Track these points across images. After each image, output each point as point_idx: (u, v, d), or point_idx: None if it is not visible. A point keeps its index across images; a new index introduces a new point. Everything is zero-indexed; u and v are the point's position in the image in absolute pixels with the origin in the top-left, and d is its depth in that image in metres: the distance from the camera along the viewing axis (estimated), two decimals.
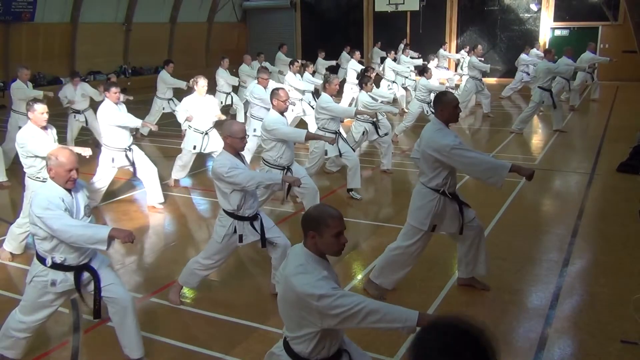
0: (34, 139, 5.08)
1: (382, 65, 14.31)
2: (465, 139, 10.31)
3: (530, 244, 5.57)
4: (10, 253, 5.46)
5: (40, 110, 5.13)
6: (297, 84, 10.12)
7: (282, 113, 5.53)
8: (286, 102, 5.54)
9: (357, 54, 13.86)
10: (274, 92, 5.54)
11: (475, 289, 4.59)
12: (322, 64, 15.29)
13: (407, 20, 19.05)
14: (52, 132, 5.40)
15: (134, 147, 6.68)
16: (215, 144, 7.39)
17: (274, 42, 17.57)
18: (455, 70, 16.93)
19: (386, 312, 2.41)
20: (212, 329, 4.18)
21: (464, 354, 1.28)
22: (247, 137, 4.45)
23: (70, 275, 3.44)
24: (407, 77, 13.76)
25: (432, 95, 9.70)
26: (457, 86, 14.81)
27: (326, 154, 6.93)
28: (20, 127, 5.93)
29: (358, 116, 7.71)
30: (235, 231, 4.23)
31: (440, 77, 12.03)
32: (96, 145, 7.02)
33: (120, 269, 5.16)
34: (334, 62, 15.63)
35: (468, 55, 14.20)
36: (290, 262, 2.55)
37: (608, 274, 4.86)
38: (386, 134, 8.03)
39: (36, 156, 5.08)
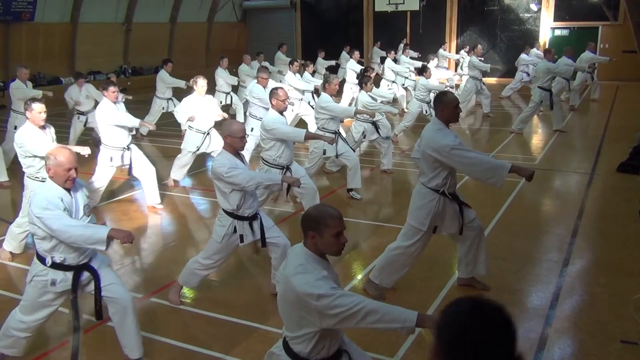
0: (32, 138, 5.07)
1: (382, 65, 14.31)
2: (465, 139, 10.31)
3: (530, 244, 5.57)
4: (10, 253, 5.46)
5: (38, 110, 5.11)
6: (296, 83, 10.13)
7: (281, 112, 5.53)
8: (285, 102, 5.54)
9: (357, 53, 13.86)
10: (273, 92, 5.54)
11: (475, 289, 4.58)
12: (322, 63, 15.30)
13: (407, 20, 19.05)
14: (51, 131, 5.38)
15: (133, 146, 6.68)
16: (216, 143, 7.39)
17: (274, 42, 17.58)
18: (455, 70, 16.93)
19: (385, 313, 2.41)
20: (212, 329, 4.18)
21: (491, 317, 1.39)
22: (247, 136, 4.45)
23: (70, 275, 3.44)
24: (407, 77, 13.76)
25: (432, 95, 9.72)
26: (457, 86, 14.80)
27: (324, 154, 6.93)
28: (16, 127, 5.91)
29: (358, 116, 7.71)
30: (235, 231, 4.22)
31: (440, 77, 12.02)
32: (95, 145, 7.00)
33: (120, 269, 5.15)
34: (333, 62, 15.63)
35: (468, 55, 14.20)
36: (290, 262, 2.55)
37: (608, 274, 4.85)
38: (387, 137, 8.04)
39: (35, 156, 5.06)
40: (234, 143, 4.15)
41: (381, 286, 4.49)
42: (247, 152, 7.70)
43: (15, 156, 5.81)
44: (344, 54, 15.78)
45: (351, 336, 2.89)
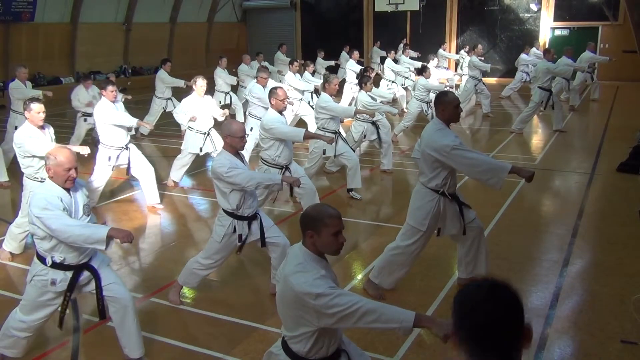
0: (31, 138, 5.05)
1: (381, 65, 14.31)
2: (465, 139, 10.31)
3: (530, 244, 5.57)
4: (10, 253, 5.45)
5: (37, 110, 5.09)
6: (296, 83, 10.13)
7: (280, 112, 5.53)
8: (284, 102, 5.53)
9: (356, 53, 13.85)
10: (272, 92, 5.54)
11: None
12: (322, 63, 15.29)
13: (407, 20, 19.05)
14: (50, 131, 5.36)
15: (131, 146, 6.67)
16: (217, 143, 7.39)
17: (274, 42, 17.58)
18: (455, 70, 16.93)
19: (382, 313, 2.40)
20: (212, 329, 4.18)
21: (502, 293, 1.55)
22: (246, 136, 4.45)
23: (70, 275, 3.44)
24: (406, 77, 13.76)
25: (432, 95, 9.72)
26: (457, 86, 14.80)
27: (324, 154, 6.93)
28: (16, 127, 5.90)
29: (357, 116, 7.71)
30: (234, 231, 4.23)
31: (439, 77, 12.02)
32: (95, 145, 7.00)
33: (120, 269, 5.15)
34: (333, 62, 15.62)
35: (468, 55, 14.20)
36: (288, 261, 2.55)
37: (608, 274, 4.85)
38: (386, 142, 8.06)
39: (34, 156, 5.05)
40: (234, 143, 4.15)
41: (381, 286, 4.49)
42: (246, 152, 7.70)
43: (15, 156, 5.80)
44: (344, 54, 15.78)
45: (351, 336, 2.89)
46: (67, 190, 3.38)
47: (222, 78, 11.87)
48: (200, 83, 7.32)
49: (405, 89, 13.78)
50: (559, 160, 8.88)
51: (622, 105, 13.61)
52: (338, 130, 7.04)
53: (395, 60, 14.01)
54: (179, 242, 5.98)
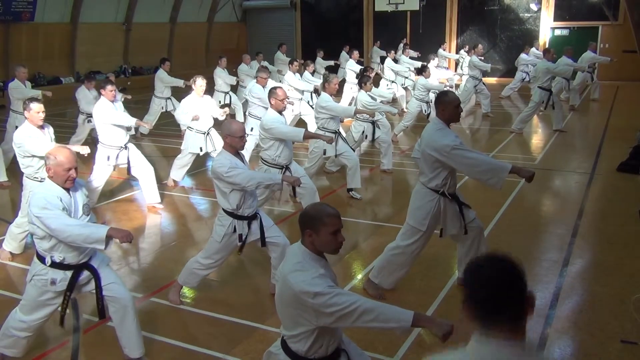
0: (30, 138, 5.04)
1: (381, 65, 14.30)
2: (465, 139, 10.30)
3: (530, 244, 5.56)
4: (10, 253, 5.45)
5: (37, 109, 5.08)
6: (296, 83, 10.12)
7: (280, 112, 5.53)
8: (284, 101, 5.53)
9: (356, 53, 13.85)
10: (272, 91, 5.54)
11: None
12: (321, 63, 15.29)
13: (407, 20, 19.06)
14: (50, 131, 5.36)
15: (131, 145, 6.67)
16: (217, 143, 7.39)
17: (274, 42, 17.57)
18: (455, 70, 16.93)
19: (381, 312, 2.40)
20: (212, 329, 4.18)
21: (505, 264, 1.74)
22: (246, 136, 4.44)
23: (70, 274, 3.44)
24: (406, 77, 13.75)
25: (432, 95, 9.72)
26: (457, 86, 14.80)
27: (324, 154, 6.93)
28: (16, 127, 5.90)
29: (357, 116, 7.71)
30: (234, 230, 4.23)
31: (439, 76, 12.01)
32: (95, 144, 7.00)
33: (120, 269, 5.15)
34: (332, 62, 15.62)
35: (468, 54, 14.20)
36: (287, 260, 2.55)
37: (608, 274, 4.85)
38: (385, 141, 8.06)
39: (33, 156, 5.05)
40: (234, 143, 4.15)
41: (381, 286, 4.49)
42: (246, 152, 7.70)
43: (15, 156, 5.80)
44: (344, 53, 15.78)
45: (351, 336, 2.89)
46: (67, 190, 3.38)
47: (222, 78, 11.87)
48: (200, 83, 7.31)
49: (405, 88, 13.78)
50: (559, 160, 8.88)
51: (622, 105, 13.61)
52: (338, 130, 7.04)
53: (395, 60, 14.00)
54: (179, 242, 5.98)
